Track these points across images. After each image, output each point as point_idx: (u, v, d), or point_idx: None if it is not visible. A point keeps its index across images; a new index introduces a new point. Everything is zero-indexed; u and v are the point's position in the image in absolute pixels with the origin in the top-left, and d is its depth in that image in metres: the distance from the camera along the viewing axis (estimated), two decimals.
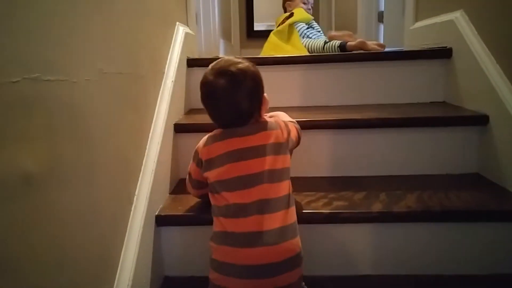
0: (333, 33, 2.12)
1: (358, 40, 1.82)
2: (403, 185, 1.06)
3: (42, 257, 0.54)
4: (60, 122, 0.59)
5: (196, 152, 0.87)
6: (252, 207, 0.75)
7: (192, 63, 1.38)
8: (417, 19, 1.62)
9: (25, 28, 0.52)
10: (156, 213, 0.94)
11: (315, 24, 2.24)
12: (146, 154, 0.95)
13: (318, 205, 0.94)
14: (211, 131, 0.86)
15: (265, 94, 0.84)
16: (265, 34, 2.31)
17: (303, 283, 0.78)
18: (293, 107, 1.36)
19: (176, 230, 0.97)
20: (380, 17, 2.46)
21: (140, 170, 0.92)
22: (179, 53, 1.27)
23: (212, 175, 0.81)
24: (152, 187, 0.92)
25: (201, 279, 0.85)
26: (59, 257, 0.58)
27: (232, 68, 0.79)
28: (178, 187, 1.12)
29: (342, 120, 1.13)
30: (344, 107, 1.34)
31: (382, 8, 2.45)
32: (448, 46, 1.30)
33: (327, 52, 1.92)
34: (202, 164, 0.84)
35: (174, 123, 1.14)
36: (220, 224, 0.78)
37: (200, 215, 0.93)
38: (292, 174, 0.85)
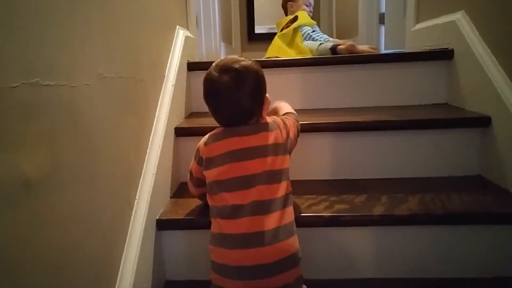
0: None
1: (348, 43, 1.82)
2: (405, 187, 1.05)
3: (42, 261, 0.54)
4: (60, 127, 0.59)
5: (198, 150, 0.87)
6: (247, 208, 0.75)
7: (193, 66, 1.38)
8: (418, 20, 1.62)
9: (24, 32, 0.52)
10: (157, 217, 0.94)
11: (317, 29, 2.26)
12: (146, 158, 0.95)
13: (319, 209, 0.94)
14: None
15: (267, 95, 0.85)
16: (266, 37, 2.32)
17: (304, 286, 0.77)
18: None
19: (177, 234, 0.97)
20: (381, 18, 2.46)
21: (141, 174, 0.92)
22: (179, 57, 1.27)
23: (211, 174, 0.81)
24: (153, 191, 0.92)
25: (202, 283, 0.85)
26: (59, 262, 0.58)
27: (236, 65, 0.79)
28: (179, 191, 1.12)
29: (343, 123, 1.13)
30: (345, 109, 1.33)
31: (383, 9, 2.45)
32: (450, 47, 1.30)
33: (319, 54, 1.93)
34: (203, 162, 0.84)
35: (174, 127, 1.14)
36: (217, 225, 0.78)
37: (201, 219, 0.93)
38: (293, 178, 0.84)
